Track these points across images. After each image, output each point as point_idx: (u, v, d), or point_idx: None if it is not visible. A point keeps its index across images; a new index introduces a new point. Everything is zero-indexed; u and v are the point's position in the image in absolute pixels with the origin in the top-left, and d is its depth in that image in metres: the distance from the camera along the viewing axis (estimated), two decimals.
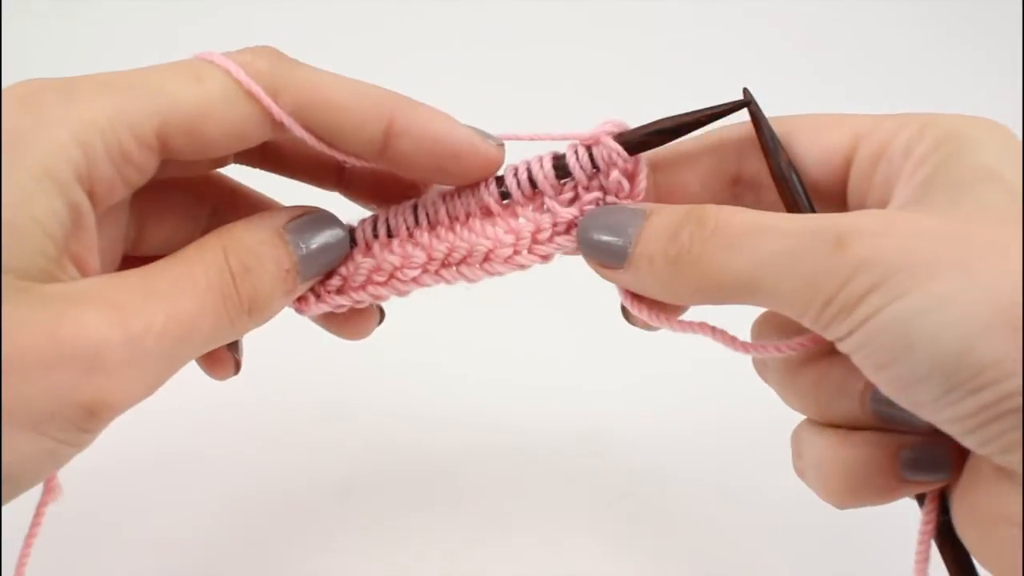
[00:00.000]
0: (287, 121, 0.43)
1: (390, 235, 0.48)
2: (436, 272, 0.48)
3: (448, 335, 0.81)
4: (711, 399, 0.77)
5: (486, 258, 0.48)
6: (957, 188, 0.39)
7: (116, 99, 0.41)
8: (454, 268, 0.48)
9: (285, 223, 0.45)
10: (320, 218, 0.47)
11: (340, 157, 0.46)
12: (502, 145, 0.47)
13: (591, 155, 0.47)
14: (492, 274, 0.48)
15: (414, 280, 0.48)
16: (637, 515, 0.70)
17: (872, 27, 1.09)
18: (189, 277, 0.42)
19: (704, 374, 0.75)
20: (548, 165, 0.47)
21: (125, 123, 0.41)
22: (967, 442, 0.37)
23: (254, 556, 0.67)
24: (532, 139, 0.47)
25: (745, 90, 0.46)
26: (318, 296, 0.49)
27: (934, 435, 0.41)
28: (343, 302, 0.49)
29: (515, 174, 0.48)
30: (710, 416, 0.76)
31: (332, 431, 0.75)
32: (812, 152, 0.45)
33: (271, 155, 0.50)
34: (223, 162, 0.50)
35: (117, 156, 0.41)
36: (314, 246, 0.46)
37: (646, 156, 0.47)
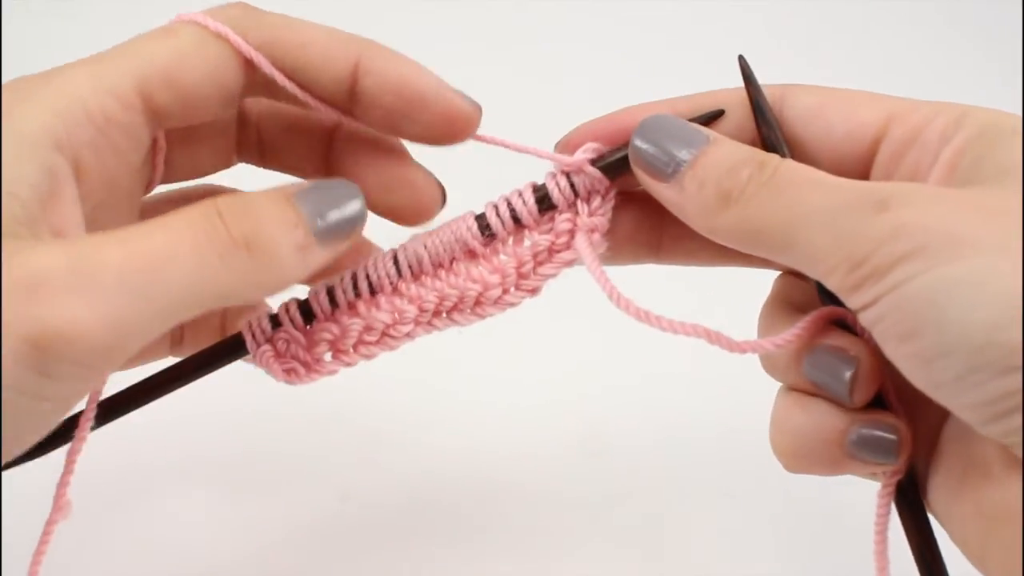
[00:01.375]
0: (256, 57, 0.44)
1: (372, 291, 0.47)
2: (428, 323, 0.47)
3: (447, 332, 0.80)
4: (711, 399, 0.77)
5: (477, 302, 0.47)
6: (1000, 176, 0.39)
7: (91, 68, 0.42)
8: (444, 316, 0.47)
9: (292, 192, 0.42)
10: (334, 185, 0.44)
11: (311, 103, 0.45)
12: (478, 106, 0.46)
13: (571, 183, 0.46)
14: (483, 316, 0.47)
15: (407, 335, 0.47)
16: (637, 516, 0.70)
17: (871, 27, 1.09)
18: (163, 221, 0.39)
19: (704, 374, 0.75)
20: (531, 199, 0.47)
21: (102, 87, 0.42)
22: (987, 431, 0.36)
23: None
24: (516, 150, 0.47)
25: (740, 58, 0.46)
26: (307, 366, 0.47)
27: (885, 416, 0.43)
28: (335, 368, 0.47)
29: (496, 211, 0.47)
30: (710, 416, 0.76)
31: (332, 429, 0.75)
32: (843, 126, 0.45)
33: (265, 140, 0.51)
34: (219, 127, 0.50)
35: (100, 119, 0.41)
36: (330, 214, 0.42)
37: None
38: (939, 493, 0.44)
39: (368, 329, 0.47)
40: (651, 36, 1.07)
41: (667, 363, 0.74)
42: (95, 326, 0.35)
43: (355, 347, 0.47)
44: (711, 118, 0.46)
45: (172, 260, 0.37)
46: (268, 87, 0.45)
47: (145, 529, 0.68)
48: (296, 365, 0.47)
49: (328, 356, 0.47)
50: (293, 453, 0.73)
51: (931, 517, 0.44)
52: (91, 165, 0.42)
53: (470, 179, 0.51)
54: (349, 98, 0.45)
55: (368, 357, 0.47)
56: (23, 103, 0.40)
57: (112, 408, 0.46)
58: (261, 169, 0.53)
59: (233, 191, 0.52)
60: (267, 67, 0.44)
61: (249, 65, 0.44)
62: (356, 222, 0.43)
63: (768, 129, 0.45)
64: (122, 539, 0.67)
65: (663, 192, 0.44)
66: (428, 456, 0.73)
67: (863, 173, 0.45)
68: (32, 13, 1.03)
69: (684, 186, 0.42)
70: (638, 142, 0.44)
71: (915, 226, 0.36)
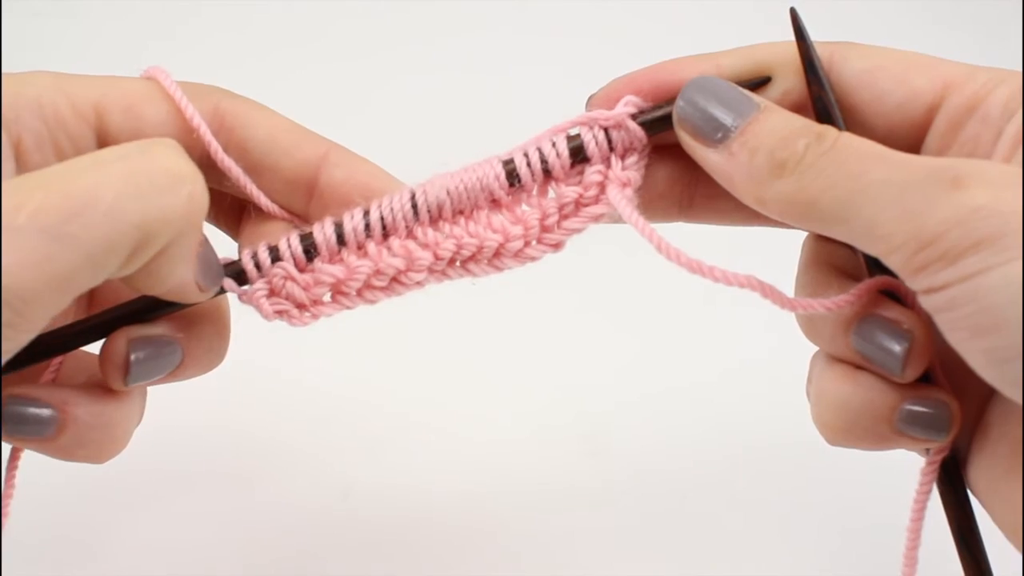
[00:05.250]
0: (227, 162, 0.45)
1: (385, 232, 0.44)
2: (442, 272, 0.45)
3: (446, 329, 0.81)
4: (711, 399, 0.76)
5: (496, 253, 0.44)
6: None
7: (59, 75, 0.44)
8: (459, 265, 0.45)
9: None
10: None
11: (254, 194, 0.46)
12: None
13: (609, 137, 0.44)
14: (501, 269, 0.45)
15: (418, 284, 0.45)
16: (637, 516, 0.70)
17: (871, 25, 1.09)
18: (93, 155, 0.38)
19: (704, 374, 0.75)
20: (564, 149, 0.44)
21: (61, 90, 0.43)
22: None
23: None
24: (549, 132, 0.45)
25: (792, 11, 0.44)
26: (303, 307, 0.44)
27: (935, 392, 0.42)
28: (332, 311, 0.45)
29: (526, 157, 0.44)
30: (710, 416, 0.76)
31: (330, 426, 0.75)
32: (896, 94, 0.43)
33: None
34: None
35: (50, 115, 0.42)
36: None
37: None
38: (983, 472, 0.43)
39: (378, 274, 0.44)
40: (650, 26, 1.06)
41: (667, 363, 0.75)
42: (15, 271, 0.34)
43: (360, 291, 0.44)
44: (757, 85, 0.44)
45: (99, 193, 0.35)
46: (217, 171, 0.46)
47: (148, 530, 0.68)
48: (290, 307, 0.44)
49: (327, 297, 0.45)
50: (294, 451, 0.73)
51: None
52: (30, 154, 0.42)
53: None
54: (307, 186, 0.46)
55: (371, 302, 0.45)
56: None
57: (51, 348, 0.43)
58: None
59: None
60: (229, 164, 0.45)
61: (215, 155, 0.45)
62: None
63: (823, 94, 0.43)
64: (123, 539, 0.67)
65: (709, 157, 0.42)
66: (426, 454, 0.74)
67: (916, 144, 0.43)
68: (32, 13, 1.03)
69: (733, 152, 0.41)
70: (684, 103, 0.43)
71: (991, 210, 0.34)
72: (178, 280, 0.40)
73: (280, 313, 0.44)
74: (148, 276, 0.38)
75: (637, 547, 0.68)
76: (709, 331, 0.80)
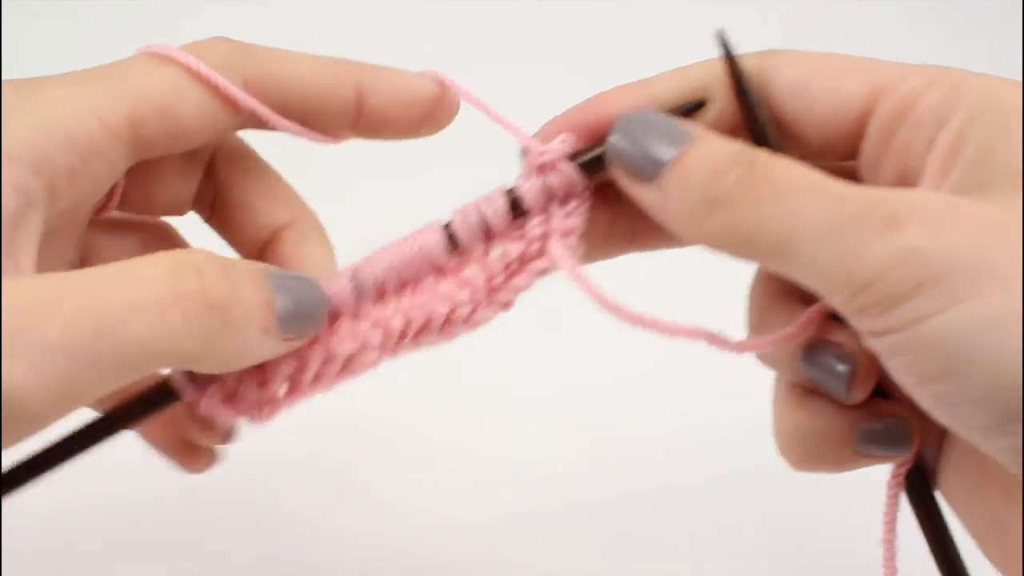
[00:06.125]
0: (249, 102, 0.43)
1: (331, 316, 0.42)
2: (394, 348, 0.42)
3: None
4: (712, 400, 0.76)
5: (446, 322, 0.42)
6: (1012, 178, 0.35)
7: (80, 89, 0.40)
8: (411, 339, 0.42)
9: (270, 272, 0.40)
10: (306, 281, 0.41)
11: (311, 136, 0.45)
12: (448, 84, 0.45)
13: (545, 184, 0.42)
14: (453, 337, 0.43)
15: (372, 364, 0.42)
16: (637, 516, 0.70)
17: (871, 25, 1.09)
18: (127, 269, 0.35)
19: (704, 374, 0.74)
20: (501, 203, 0.42)
21: (91, 110, 0.39)
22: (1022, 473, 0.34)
23: None
24: (497, 119, 0.43)
25: (720, 33, 0.42)
26: (259, 407, 0.42)
27: (891, 407, 0.41)
28: (289, 404, 0.42)
29: (464, 219, 0.42)
30: (710, 416, 0.76)
31: (331, 426, 0.75)
32: (829, 101, 0.41)
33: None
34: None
35: (83, 145, 0.39)
36: (297, 309, 0.40)
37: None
38: (951, 483, 0.42)
39: (330, 359, 0.42)
40: (645, 25, 1.06)
41: (667, 364, 0.74)
42: (33, 391, 0.32)
43: (314, 380, 0.42)
44: (692, 109, 0.42)
45: (131, 316, 0.34)
46: (262, 124, 0.44)
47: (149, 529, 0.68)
48: (247, 408, 0.42)
49: (282, 392, 0.42)
50: (294, 448, 0.73)
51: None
52: (63, 193, 0.39)
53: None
54: (355, 119, 0.44)
55: (328, 389, 0.42)
56: (6, 116, 0.37)
57: (22, 475, 0.40)
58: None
59: (232, 148, 0.49)
60: (262, 110, 0.43)
61: (246, 107, 0.43)
62: (315, 326, 0.41)
63: (754, 117, 0.41)
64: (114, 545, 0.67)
65: (646, 196, 0.40)
66: (426, 453, 0.73)
67: (853, 154, 0.41)
68: (32, 13, 1.03)
69: (668, 190, 0.38)
70: (616, 141, 0.40)
71: (928, 252, 0.32)
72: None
73: (238, 415, 0.42)
74: None
75: (637, 548, 0.68)
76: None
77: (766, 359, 0.45)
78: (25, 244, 0.37)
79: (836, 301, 0.35)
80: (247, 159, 0.48)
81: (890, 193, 0.35)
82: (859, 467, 0.43)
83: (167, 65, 0.41)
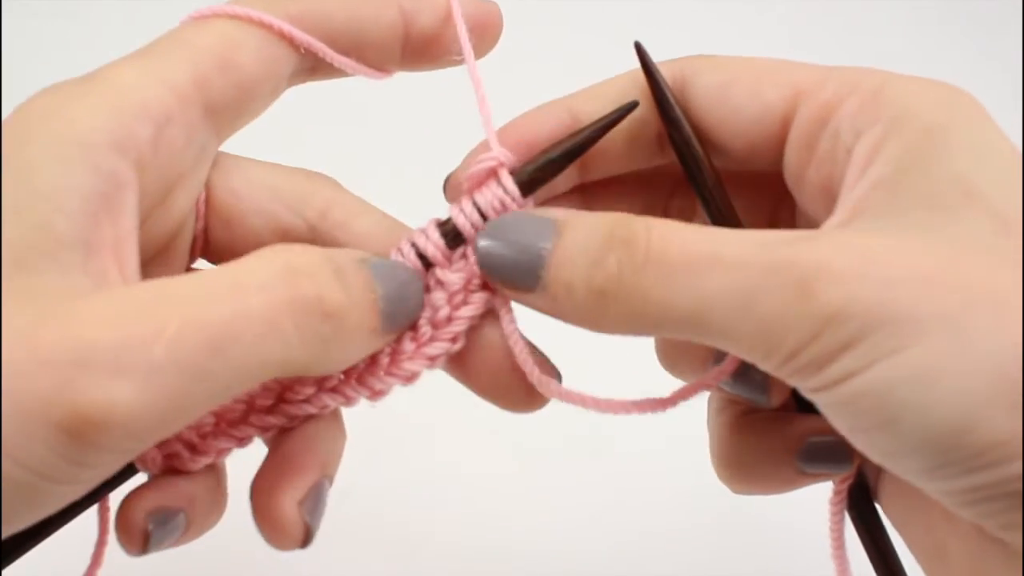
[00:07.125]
0: (314, 44, 0.42)
1: None
2: (336, 390, 0.41)
3: None
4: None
5: (392, 360, 0.41)
6: (930, 207, 0.33)
7: (139, 62, 0.38)
8: (355, 384, 0.41)
9: (370, 263, 0.38)
10: (401, 268, 0.40)
11: (364, 72, 0.44)
12: None
13: (482, 212, 0.40)
14: (403, 377, 0.41)
15: (312, 402, 0.40)
16: (637, 516, 0.70)
17: (871, 25, 1.09)
18: (233, 278, 0.33)
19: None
20: (435, 235, 0.41)
21: (156, 79, 0.38)
22: (963, 514, 0.33)
23: None
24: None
25: (637, 44, 0.40)
26: (193, 450, 0.39)
27: (825, 425, 0.38)
28: (227, 445, 0.40)
29: (399, 254, 0.41)
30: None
31: None
32: (750, 107, 0.39)
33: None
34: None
35: (159, 114, 0.37)
36: (399, 302, 0.38)
37: (566, 178, 0.42)
38: (893, 499, 0.42)
39: (264, 392, 0.40)
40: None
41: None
42: (140, 412, 0.31)
43: (243, 420, 0.41)
44: (624, 114, 0.40)
45: (242, 331, 0.32)
46: (314, 67, 0.43)
47: None
48: (180, 449, 0.39)
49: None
50: None
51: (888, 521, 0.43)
52: (150, 166, 0.37)
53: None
54: (403, 45, 0.43)
55: (267, 431, 0.41)
56: (70, 103, 0.36)
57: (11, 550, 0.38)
58: None
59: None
60: (318, 46, 0.42)
61: (295, 44, 0.41)
62: (413, 316, 0.40)
63: (676, 127, 0.40)
64: None
65: (536, 304, 0.37)
66: (425, 453, 0.74)
67: (778, 160, 0.40)
68: (32, 13, 1.04)
69: (553, 294, 0.36)
70: (483, 259, 0.38)
71: (847, 313, 0.31)
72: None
73: (169, 458, 0.39)
74: None
75: (637, 548, 0.68)
76: None
77: (674, 372, 0.44)
78: (123, 230, 0.36)
79: (768, 368, 0.34)
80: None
81: (794, 249, 0.33)
82: (800, 486, 0.43)
83: (215, 22, 0.40)
